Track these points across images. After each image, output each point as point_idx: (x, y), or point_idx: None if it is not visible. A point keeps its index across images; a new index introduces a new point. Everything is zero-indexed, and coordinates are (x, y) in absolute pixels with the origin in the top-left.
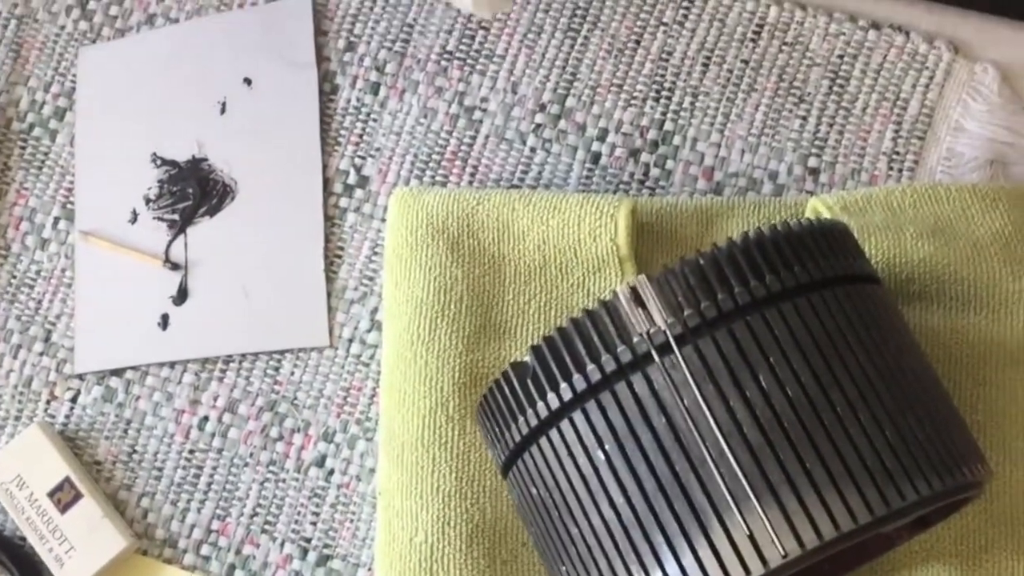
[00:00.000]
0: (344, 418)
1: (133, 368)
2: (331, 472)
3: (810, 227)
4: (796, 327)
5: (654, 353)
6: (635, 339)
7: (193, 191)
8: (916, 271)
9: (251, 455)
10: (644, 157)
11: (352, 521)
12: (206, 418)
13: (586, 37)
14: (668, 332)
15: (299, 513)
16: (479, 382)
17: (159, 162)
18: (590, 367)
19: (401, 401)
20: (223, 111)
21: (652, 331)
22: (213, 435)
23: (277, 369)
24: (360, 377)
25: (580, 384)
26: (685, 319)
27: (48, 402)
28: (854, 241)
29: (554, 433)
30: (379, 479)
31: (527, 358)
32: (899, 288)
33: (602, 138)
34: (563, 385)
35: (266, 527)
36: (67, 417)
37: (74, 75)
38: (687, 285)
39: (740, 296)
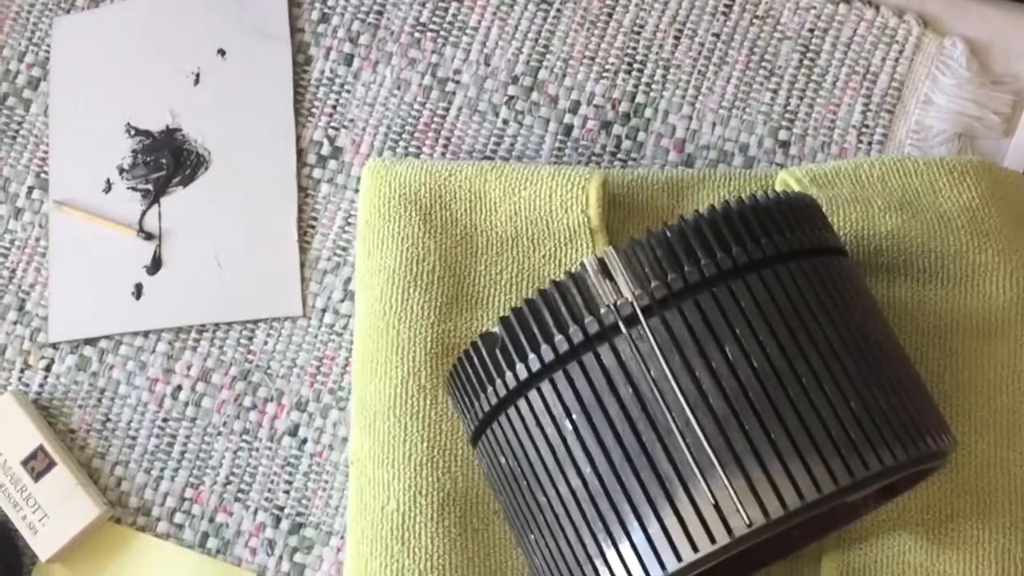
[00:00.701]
0: (317, 387)
1: (107, 337)
2: (304, 441)
3: (777, 200)
4: (762, 299)
5: (621, 324)
6: (602, 310)
7: (167, 161)
8: (884, 243)
9: (224, 424)
10: (616, 129)
11: (325, 490)
12: (180, 387)
13: (559, 9)
14: (635, 304)
15: (272, 482)
16: (451, 352)
17: (133, 132)
18: (558, 338)
19: (373, 371)
20: (197, 82)
21: (619, 303)
22: (187, 404)
23: (250, 339)
24: (333, 347)
25: (548, 355)
26: (652, 291)
27: (22, 371)
28: (821, 214)
29: (522, 403)
30: (351, 448)
31: (496, 329)
32: (867, 260)
33: (574, 110)
34: (531, 356)
35: (239, 495)
36: (41, 386)
37: (48, 45)
38: (654, 257)
39: (706, 268)
